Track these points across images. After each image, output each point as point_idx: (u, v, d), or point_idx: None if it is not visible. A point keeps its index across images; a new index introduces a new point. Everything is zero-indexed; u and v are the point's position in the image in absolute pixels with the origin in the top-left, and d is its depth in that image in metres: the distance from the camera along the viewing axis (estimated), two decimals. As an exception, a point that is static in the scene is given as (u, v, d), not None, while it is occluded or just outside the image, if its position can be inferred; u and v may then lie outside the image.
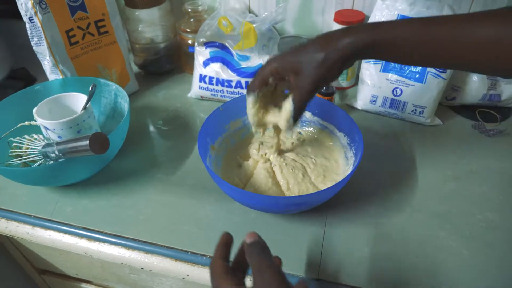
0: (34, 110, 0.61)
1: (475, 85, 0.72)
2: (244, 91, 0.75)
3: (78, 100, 0.64)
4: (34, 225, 0.59)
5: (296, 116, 0.49)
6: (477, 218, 0.56)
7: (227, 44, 0.75)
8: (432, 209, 0.57)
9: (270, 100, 0.54)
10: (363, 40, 0.42)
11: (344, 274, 0.50)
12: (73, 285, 0.79)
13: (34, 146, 0.59)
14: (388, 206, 0.58)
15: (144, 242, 0.55)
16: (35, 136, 0.62)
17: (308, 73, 0.44)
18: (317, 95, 0.72)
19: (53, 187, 0.63)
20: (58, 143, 0.53)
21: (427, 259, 0.51)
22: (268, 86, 0.50)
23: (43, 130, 0.61)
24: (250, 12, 0.86)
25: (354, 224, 0.55)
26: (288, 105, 0.48)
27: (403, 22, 0.43)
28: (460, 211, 0.57)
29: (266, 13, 0.73)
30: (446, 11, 0.66)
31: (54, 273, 0.79)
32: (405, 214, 0.57)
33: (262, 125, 0.55)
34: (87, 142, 0.47)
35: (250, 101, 0.52)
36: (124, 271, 0.66)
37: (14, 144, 0.61)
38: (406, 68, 0.71)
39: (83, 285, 0.78)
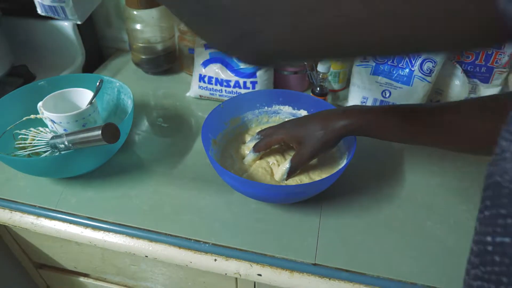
0: (40, 104, 0.63)
1: (457, 89, 0.78)
2: (242, 91, 0.79)
3: (82, 96, 0.67)
4: (39, 215, 0.61)
5: (290, 175, 0.60)
6: (460, 209, 0.60)
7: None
8: (419, 200, 0.62)
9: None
10: (356, 123, 0.53)
11: (338, 259, 0.53)
12: (70, 279, 0.81)
13: (41, 138, 0.61)
14: (379, 198, 0.62)
15: (148, 230, 0.57)
16: (41, 128, 0.64)
17: (309, 146, 0.56)
18: (312, 95, 0.76)
19: (57, 180, 0.65)
20: (67, 134, 0.55)
21: (416, 246, 0.55)
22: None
23: (49, 123, 0.63)
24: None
25: (348, 214, 0.59)
26: (286, 165, 0.59)
27: (390, 109, 0.53)
28: (445, 203, 0.61)
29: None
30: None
31: (51, 267, 0.80)
32: (395, 205, 0.61)
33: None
34: (99, 132, 0.50)
35: (252, 156, 0.63)
36: (125, 262, 0.68)
37: (20, 136, 0.63)
38: (394, 72, 0.76)
39: (81, 278, 0.79)
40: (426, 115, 0.51)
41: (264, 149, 0.62)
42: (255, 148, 0.62)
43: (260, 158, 0.64)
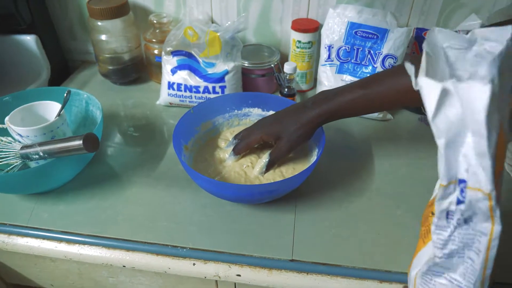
0: (7, 118, 0.61)
1: (419, 83, 0.81)
2: (212, 95, 0.79)
3: (50, 108, 0.66)
4: (10, 233, 0.60)
5: (269, 168, 0.62)
6: (427, 198, 0.63)
7: (193, 52, 0.80)
8: (389, 192, 0.64)
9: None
10: (327, 111, 0.57)
11: (315, 253, 0.55)
12: (46, 298, 0.78)
13: (8, 148, 0.60)
14: (350, 192, 0.64)
15: (124, 240, 0.57)
16: (3, 138, 0.62)
17: (287, 140, 0.59)
18: (280, 95, 0.78)
19: (27, 196, 0.63)
20: (41, 144, 0.55)
21: (387, 235, 0.57)
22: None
23: (16, 138, 0.61)
24: (213, 22, 0.91)
25: (321, 209, 0.61)
26: (265, 158, 0.61)
27: (348, 89, 0.57)
28: (413, 192, 0.64)
29: (229, 22, 0.78)
30: (390, 18, 0.74)
31: (27, 286, 0.78)
32: (366, 198, 0.63)
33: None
34: (80, 142, 0.50)
35: (232, 159, 0.64)
36: (102, 274, 0.67)
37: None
38: (358, 69, 0.79)
39: (58, 296, 0.77)
40: (377, 81, 0.56)
41: (244, 150, 0.63)
42: (235, 151, 0.63)
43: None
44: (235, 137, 0.65)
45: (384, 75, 0.56)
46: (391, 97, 0.55)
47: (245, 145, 0.62)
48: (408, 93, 0.51)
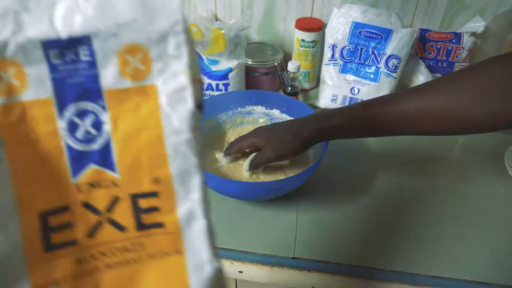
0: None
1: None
2: (215, 93, 0.80)
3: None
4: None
5: (251, 169, 0.60)
6: (430, 199, 0.63)
7: (197, 49, 0.80)
8: (390, 193, 0.64)
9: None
10: (319, 128, 0.54)
11: (316, 251, 0.55)
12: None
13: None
14: (352, 192, 0.64)
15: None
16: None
17: (274, 147, 0.56)
18: (283, 93, 0.78)
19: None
20: None
21: (387, 235, 0.57)
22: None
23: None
24: (217, 20, 0.91)
25: (323, 208, 0.61)
26: (249, 158, 0.60)
27: (350, 109, 0.54)
28: (414, 194, 0.64)
29: (233, 20, 0.78)
30: (394, 18, 0.74)
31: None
32: (367, 198, 0.63)
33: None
34: None
35: (225, 161, 0.64)
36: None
37: None
38: (361, 69, 0.79)
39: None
40: (383, 105, 0.51)
41: (235, 152, 0.62)
42: (226, 152, 0.63)
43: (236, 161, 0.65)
44: (230, 143, 0.65)
45: (396, 96, 0.51)
46: (400, 121, 0.50)
47: (236, 148, 0.61)
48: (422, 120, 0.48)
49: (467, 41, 0.78)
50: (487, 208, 0.62)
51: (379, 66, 0.78)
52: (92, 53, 0.21)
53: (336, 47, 0.79)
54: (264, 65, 0.83)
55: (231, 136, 0.71)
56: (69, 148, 0.22)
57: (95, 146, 0.22)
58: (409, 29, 0.74)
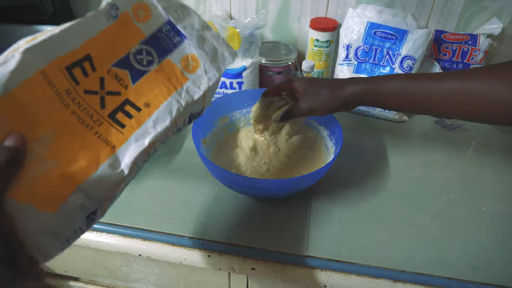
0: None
1: (436, 85, 0.81)
2: (229, 91, 0.80)
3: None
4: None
5: (283, 119, 0.62)
6: (442, 199, 0.63)
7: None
8: (403, 192, 0.64)
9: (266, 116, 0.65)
10: (359, 88, 0.54)
11: (329, 250, 0.55)
12: (60, 284, 0.80)
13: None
14: (365, 191, 0.64)
15: (141, 229, 0.58)
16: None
17: (311, 100, 0.56)
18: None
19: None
20: None
21: (401, 234, 0.57)
22: (278, 99, 0.63)
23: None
24: (231, 18, 0.91)
25: (336, 207, 0.61)
26: (283, 109, 0.62)
27: (391, 76, 0.54)
28: (427, 193, 0.64)
29: (248, 19, 0.79)
30: (409, 19, 0.74)
31: (41, 272, 0.79)
32: (380, 197, 0.63)
33: (259, 120, 0.65)
34: None
35: (260, 102, 0.63)
36: (116, 263, 0.68)
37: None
38: (376, 70, 0.79)
39: (71, 282, 0.79)
40: (430, 80, 0.50)
41: (272, 93, 0.62)
42: (266, 93, 0.62)
43: (252, 155, 0.65)
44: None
45: (444, 74, 0.50)
46: (448, 100, 0.48)
47: (275, 89, 0.61)
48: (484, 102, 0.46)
49: (483, 43, 0.77)
50: (501, 209, 0.61)
51: (393, 66, 0.77)
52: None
53: (350, 47, 0.79)
54: (278, 64, 0.84)
55: (245, 134, 0.71)
56: None
57: None
58: (424, 30, 0.74)
